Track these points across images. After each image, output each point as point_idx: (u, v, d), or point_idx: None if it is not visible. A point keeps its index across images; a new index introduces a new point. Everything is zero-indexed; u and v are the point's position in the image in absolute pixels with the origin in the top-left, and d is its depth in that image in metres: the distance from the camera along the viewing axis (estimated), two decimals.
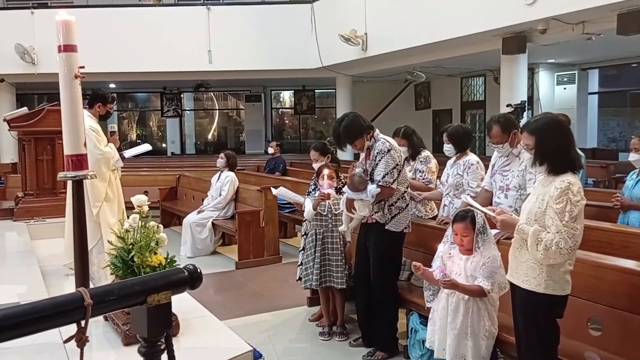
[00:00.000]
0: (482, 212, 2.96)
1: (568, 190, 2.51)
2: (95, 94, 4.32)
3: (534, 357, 2.71)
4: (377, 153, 3.81)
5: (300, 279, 4.69)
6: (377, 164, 3.80)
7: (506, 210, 2.88)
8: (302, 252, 4.65)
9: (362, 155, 3.99)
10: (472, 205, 3.03)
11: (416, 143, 4.78)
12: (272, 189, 5.19)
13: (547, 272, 2.58)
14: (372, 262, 3.91)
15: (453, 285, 3.08)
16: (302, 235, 4.72)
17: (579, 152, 4.11)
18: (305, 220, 4.68)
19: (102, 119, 4.38)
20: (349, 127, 3.86)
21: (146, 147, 4.87)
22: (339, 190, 4.26)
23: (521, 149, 3.48)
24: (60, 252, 4.17)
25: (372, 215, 3.86)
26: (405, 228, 3.90)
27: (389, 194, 3.80)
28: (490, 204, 3.75)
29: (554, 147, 2.60)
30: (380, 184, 3.74)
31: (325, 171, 4.19)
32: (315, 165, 4.67)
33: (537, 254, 2.54)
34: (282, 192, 4.83)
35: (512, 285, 2.80)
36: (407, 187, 3.97)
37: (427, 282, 3.35)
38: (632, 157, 4.53)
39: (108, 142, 4.29)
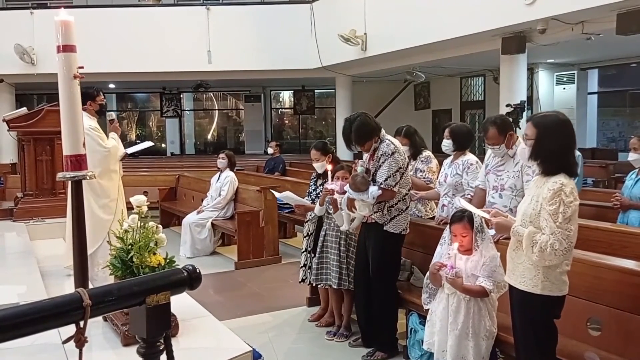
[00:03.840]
0: (478, 214, 2.96)
1: (561, 191, 2.50)
2: (85, 92, 4.30)
3: (532, 358, 2.71)
4: (382, 155, 3.80)
5: (303, 280, 4.69)
6: (380, 166, 3.79)
7: (501, 212, 2.88)
8: (305, 253, 4.66)
9: (366, 155, 3.99)
10: (467, 208, 3.04)
11: (418, 143, 4.80)
12: (275, 192, 5.15)
13: (544, 273, 2.58)
14: (371, 263, 3.91)
15: (455, 283, 3.08)
16: (305, 237, 4.72)
17: (576, 151, 4.12)
18: (307, 221, 4.68)
19: (100, 114, 4.36)
20: (361, 129, 3.84)
21: (148, 143, 4.88)
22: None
23: (516, 149, 3.48)
24: (60, 253, 4.17)
25: (372, 215, 3.86)
26: (404, 230, 3.90)
27: (390, 196, 3.79)
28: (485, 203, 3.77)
29: (552, 146, 2.58)
30: (382, 186, 3.74)
31: (338, 172, 4.18)
32: (316, 165, 4.66)
33: (532, 255, 2.54)
34: (286, 196, 4.78)
35: (510, 286, 2.80)
36: (409, 190, 3.97)
37: (430, 282, 3.34)
38: (632, 156, 4.54)
39: (109, 131, 4.28)
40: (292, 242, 7.74)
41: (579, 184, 4.39)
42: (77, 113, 2.73)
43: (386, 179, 3.74)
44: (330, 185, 4.06)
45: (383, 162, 3.77)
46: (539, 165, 2.64)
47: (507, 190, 3.66)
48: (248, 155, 15.72)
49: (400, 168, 3.78)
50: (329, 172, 4.12)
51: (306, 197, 4.77)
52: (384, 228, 3.84)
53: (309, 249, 4.59)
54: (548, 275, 2.58)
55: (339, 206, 4.08)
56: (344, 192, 3.94)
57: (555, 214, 2.48)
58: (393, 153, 3.77)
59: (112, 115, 4.62)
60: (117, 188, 4.16)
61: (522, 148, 2.77)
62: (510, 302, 2.82)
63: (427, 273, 3.39)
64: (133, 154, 4.87)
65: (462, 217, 3.20)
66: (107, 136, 4.31)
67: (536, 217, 2.57)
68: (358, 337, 4.20)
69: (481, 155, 4.65)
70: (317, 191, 4.64)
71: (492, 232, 3.26)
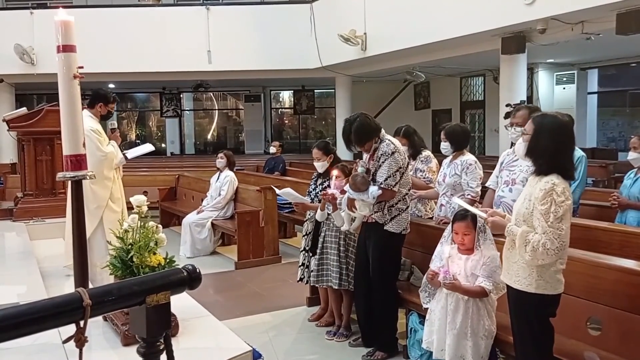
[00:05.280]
0: (474, 213, 2.96)
1: (552, 191, 2.50)
2: (97, 94, 4.28)
3: (529, 356, 2.72)
4: (382, 154, 3.80)
5: (301, 279, 4.70)
6: (380, 166, 3.79)
7: (498, 212, 2.89)
8: (303, 252, 4.66)
9: (366, 155, 3.99)
10: (464, 207, 3.05)
11: (417, 142, 4.80)
12: (276, 189, 5.13)
13: (538, 272, 2.58)
14: (372, 262, 3.91)
15: (454, 287, 3.09)
16: (303, 236, 4.72)
17: (580, 151, 4.12)
18: (306, 220, 4.69)
19: (103, 119, 4.35)
20: (361, 130, 3.84)
21: (148, 147, 4.78)
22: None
23: None
24: (60, 253, 4.17)
25: (372, 215, 3.86)
26: (404, 230, 3.90)
27: (390, 196, 3.79)
28: None
29: (546, 145, 2.58)
30: (382, 186, 3.74)
31: (334, 172, 4.19)
32: (317, 164, 4.67)
33: (525, 255, 2.54)
34: (286, 192, 4.76)
35: (507, 285, 2.81)
36: (409, 190, 3.97)
37: (429, 283, 3.35)
38: (631, 155, 4.51)
39: (110, 139, 4.27)
40: (292, 242, 7.74)
41: (582, 184, 4.38)
42: (77, 113, 2.73)
43: (386, 179, 3.74)
44: (331, 190, 4.07)
45: (383, 162, 3.78)
46: (533, 164, 2.65)
47: (518, 184, 3.67)
48: (248, 155, 15.72)
49: (400, 168, 3.78)
50: (333, 177, 4.13)
51: (306, 197, 4.78)
52: (385, 228, 3.84)
53: (307, 248, 4.59)
54: (542, 274, 2.58)
55: (337, 206, 4.09)
56: (343, 192, 3.94)
57: (547, 214, 2.49)
58: (393, 153, 3.78)
59: (114, 124, 4.55)
60: (109, 196, 4.11)
61: (520, 144, 2.79)
62: (508, 301, 2.83)
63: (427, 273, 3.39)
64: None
65: (466, 216, 3.21)
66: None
67: (529, 217, 2.58)
68: (358, 337, 4.20)
69: (480, 155, 4.66)
70: (317, 190, 4.64)
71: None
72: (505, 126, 3.97)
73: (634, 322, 2.73)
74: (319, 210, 4.33)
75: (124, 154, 4.33)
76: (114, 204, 4.12)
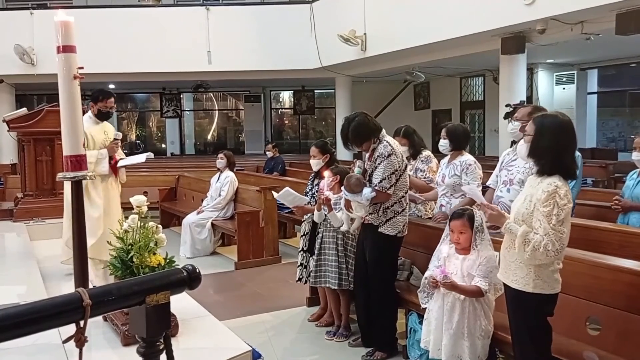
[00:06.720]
0: (479, 200, 2.95)
1: (555, 193, 2.51)
2: (93, 92, 4.28)
3: (528, 356, 2.72)
4: (378, 156, 3.79)
5: (300, 279, 4.70)
6: (376, 167, 3.79)
7: (497, 208, 2.89)
8: (301, 252, 4.67)
9: (366, 155, 3.98)
10: (471, 193, 3.04)
11: (417, 142, 4.81)
12: (275, 193, 5.12)
13: (535, 271, 2.59)
14: (368, 263, 3.90)
15: (452, 287, 3.09)
16: (301, 236, 4.73)
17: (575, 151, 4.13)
18: (304, 221, 4.69)
19: (104, 118, 4.29)
20: (358, 129, 3.83)
21: (142, 157, 4.48)
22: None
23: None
24: (59, 253, 4.17)
25: (367, 216, 3.85)
26: (400, 232, 3.87)
27: (384, 198, 3.78)
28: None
29: (548, 146, 2.59)
30: (376, 188, 3.74)
31: (325, 173, 4.18)
32: (312, 162, 4.67)
33: (524, 254, 2.55)
34: (285, 192, 4.71)
35: (504, 284, 2.81)
36: (405, 192, 3.95)
37: (429, 289, 3.35)
38: (636, 156, 4.47)
39: (106, 147, 4.19)
40: (292, 242, 7.74)
41: (578, 184, 4.38)
42: (77, 113, 2.73)
43: (381, 181, 3.73)
44: (327, 192, 4.07)
45: (379, 164, 3.76)
46: (536, 164, 2.65)
47: (515, 184, 3.68)
48: (248, 156, 15.72)
49: (396, 171, 3.76)
50: (325, 178, 4.12)
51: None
52: (379, 230, 3.82)
53: (305, 249, 4.60)
54: (540, 274, 2.59)
55: (333, 207, 4.09)
56: (339, 191, 3.95)
57: (549, 216, 2.49)
58: (389, 155, 3.76)
59: (119, 135, 4.39)
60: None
61: (521, 145, 2.79)
62: (506, 301, 2.83)
63: (426, 273, 3.39)
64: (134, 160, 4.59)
65: (462, 215, 3.21)
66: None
67: (529, 217, 2.58)
68: (358, 337, 4.20)
69: (480, 155, 4.66)
70: (314, 190, 4.64)
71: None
72: (508, 120, 4.00)
73: (633, 322, 2.73)
74: (315, 210, 4.33)
75: (116, 161, 4.22)
76: (92, 208, 3.95)
